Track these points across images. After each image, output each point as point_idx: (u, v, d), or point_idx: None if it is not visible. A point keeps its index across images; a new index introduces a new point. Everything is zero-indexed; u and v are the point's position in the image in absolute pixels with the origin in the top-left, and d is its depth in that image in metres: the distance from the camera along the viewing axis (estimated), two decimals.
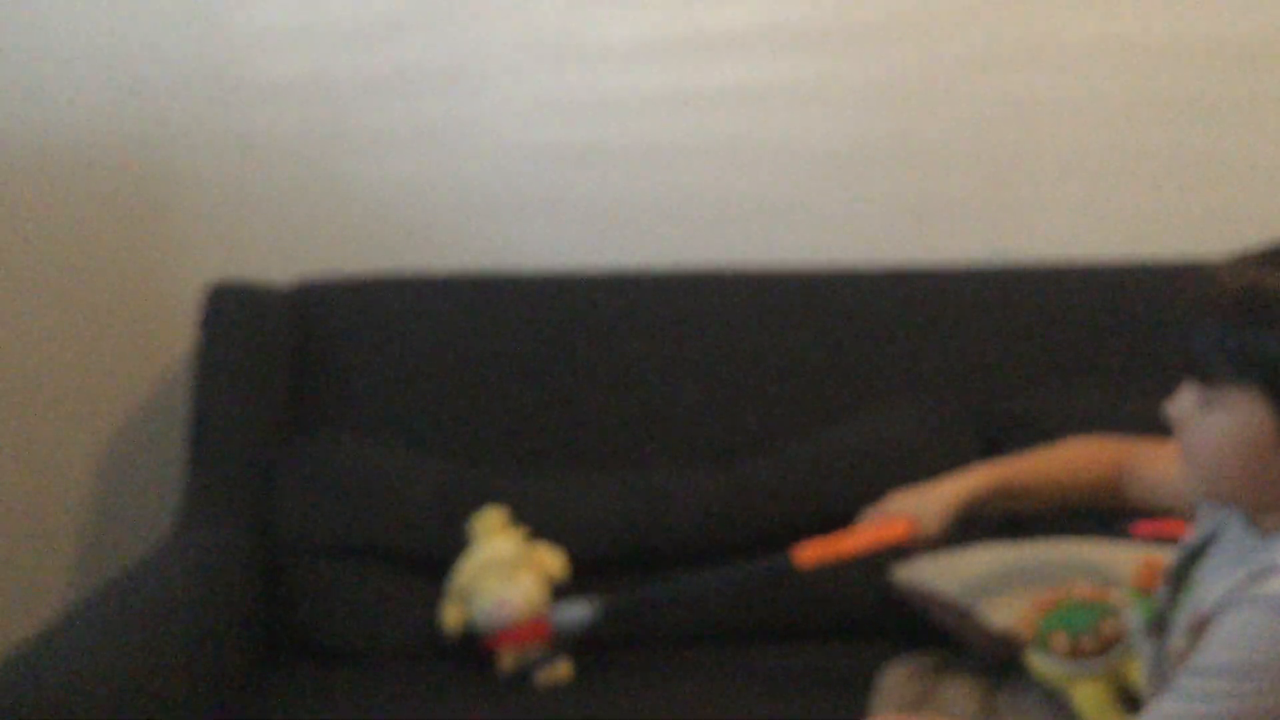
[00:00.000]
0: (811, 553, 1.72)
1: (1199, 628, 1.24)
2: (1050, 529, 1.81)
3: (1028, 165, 2.20)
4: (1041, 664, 1.57)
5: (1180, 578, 1.34)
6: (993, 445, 1.95)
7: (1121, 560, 1.66)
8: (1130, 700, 1.51)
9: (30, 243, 2.10)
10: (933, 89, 2.17)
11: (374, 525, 1.87)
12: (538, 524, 1.86)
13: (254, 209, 2.12)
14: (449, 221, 2.15)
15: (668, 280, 2.07)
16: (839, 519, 1.88)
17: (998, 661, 1.67)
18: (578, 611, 1.78)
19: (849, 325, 2.05)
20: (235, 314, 1.97)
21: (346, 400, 1.96)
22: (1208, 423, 1.22)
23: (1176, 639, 1.28)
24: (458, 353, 1.98)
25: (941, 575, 1.77)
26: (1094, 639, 1.53)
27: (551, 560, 1.84)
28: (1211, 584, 1.27)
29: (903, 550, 1.70)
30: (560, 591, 1.81)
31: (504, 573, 1.79)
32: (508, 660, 1.78)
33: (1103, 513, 1.68)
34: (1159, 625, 1.34)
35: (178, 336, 2.11)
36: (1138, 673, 1.49)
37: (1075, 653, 1.53)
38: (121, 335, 2.13)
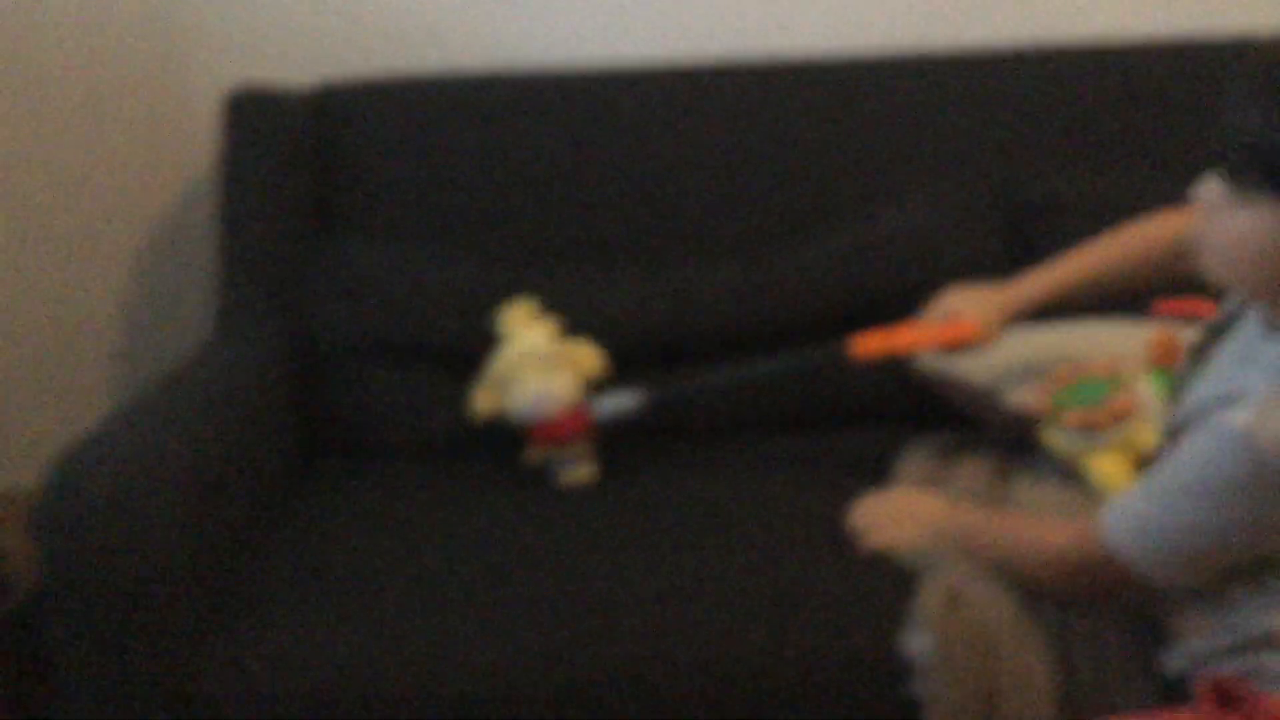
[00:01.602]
0: (870, 344, 1.70)
1: (1175, 432, 1.27)
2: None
3: None
4: (1055, 439, 1.59)
5: (1202, 352, 1.36)
6: (1016, 229, 1.95)
7: (1141, 338, 1.68)
8: (1146, 470, 1.53)
9: (50, 55, 2.09)
10: None
11: (404, 323, 1.90)
12: (566, 319, 1.88)
13: (272, 12, 2.09)
14: (469, 19, 2.12)
15: (688, 74, 2.05)
16: (864, 309, 1.91)
17: (1014, 440, 1.70)
18: (622, 401, 1.79)
19: (869, 114, 2.02)
20: (257, 120, 1.96)
21: (372, 202, 1.97)
22: (1231, 219, 1.20)
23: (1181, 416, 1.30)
24: (481, 152, 1.98)
25: (963, 360, 1.79)
26: (1107, 412, 1.54)
27: (588, 358, 1.84)
28: (1213, 377, 1.29)
29: (954, 350, 1.68)
30: (596, 389, 1.83)
31: (543, 366, 1.79)
32: (535, 454, 1.81)
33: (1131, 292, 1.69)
34: (1178, 397, 1.35)
35: (202, 143, 2.11)
36: (1154, 443, 1.52)
37: (1087, 426, 1.55)
38: (146, 144, 2.13)
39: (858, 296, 1.94)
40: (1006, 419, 1.70)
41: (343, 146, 1.97)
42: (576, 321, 1.88)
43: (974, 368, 1.76)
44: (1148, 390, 1.54)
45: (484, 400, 1.81)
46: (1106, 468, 1.55)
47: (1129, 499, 1.30)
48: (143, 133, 2.13)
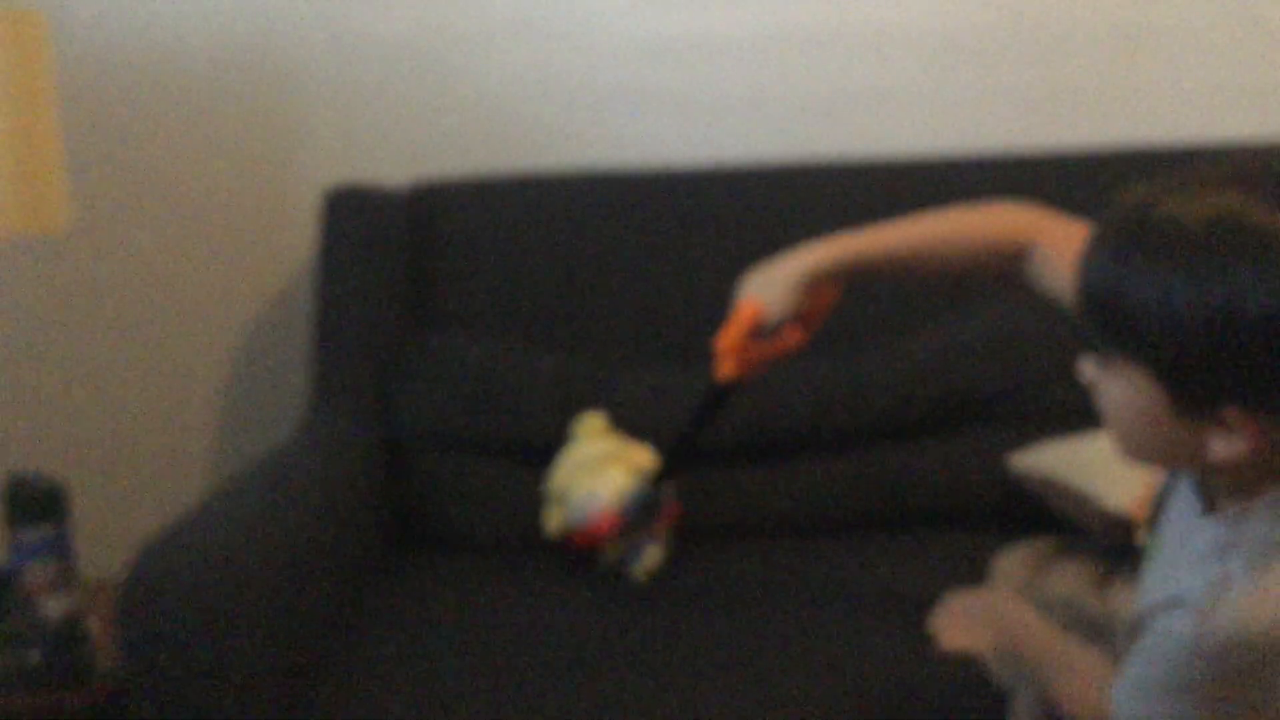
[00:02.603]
0: (721, 364, 1.55)
1: (1132, 629, 1.15)
2: None
3: (1152, 44, 2.13)
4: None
5: (1155, 524, 1.24)
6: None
7: None
8: None
9: (157, 152, 2.16)
10: None
11: (490, 418, 1.91)
12: (649, 418, 1.88)
13: (369, 112, 2.15)
14: (562, 119, 2.15)
15: (783, 172, 2.06)
16: (953, 409, 1.88)
17: (1114, 545, 1.65)
18: (634, 498, 1.76)
19: None
20: (354, 216, 2.00)
21: (462, 298, 1.99)
22: (1105, 392, 1.08)
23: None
24: (567, 250, 2.00)
25: (1060, 462, 1.75)
26: None
27: (641, 454, 1.83)
28: (1157, 571, 1.18)
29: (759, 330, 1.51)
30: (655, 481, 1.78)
31: (594, 469, 1.80)
32: (610, 555, 1.79)
33: None
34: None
35: (300, 239, 2.16)
36: None
37: None
38: (250, 237, 2.19)
39: (946, 397, 1.91)
40: (1106, 521, 1.66)
41: (435, 243, 2.00)
42: (659, 420, 1.87)
43: (1063, 466, 1.72)
44: None
45: (553, 519, 1.82)
46: None
47: (1120, 684, 1.15)
48: (247, 226, 2.18)
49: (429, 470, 1.92)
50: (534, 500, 1.86)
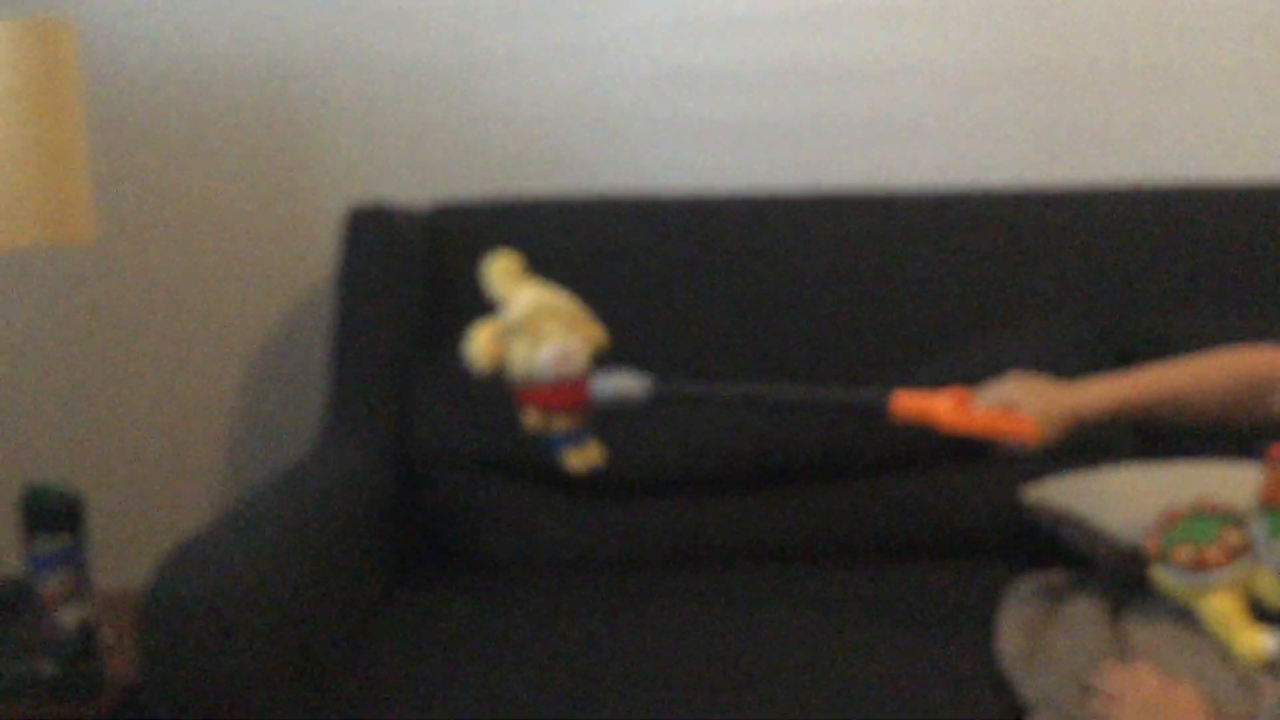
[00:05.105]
0: (911, 406, 1.56)
1: None
2: (1186, 451, 1.78)
3: (1167, 82, 2.15)
4: (1165, 578, 1.54)
5: None
6: (1130, 366, 1.91)
7: (1256, 480, 1.63)
8: (1260, 611, 1.48)
9: (181, 167, 2.18)
10: (1070, 4, 2.12)
11: (506, 439, 1.90)
12: (673, 439, 1.88)
13: (392, 133, 2.17)
14: (583, 144, 2.17)
15: (802, 202, 2.07)
16: (968, 440, 1.88)
17: (1127, 580, 1.65)
18: (628, 384, 1.61)
19: (984, 246, 2.02)
20: (374, 236, 2.01)
21: (480, 317, 1.98)
22: None
23: None
24: (589, 274, 1.98)
25: (1074, 495, 1.75)
26: (1219, 550, 1.49)
27: (598, 330, 1.68)
28: None
29: (999, 443, 1.55)
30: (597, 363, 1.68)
31: (566, 324, 1.62)
32: (533, 421, 1.64)
33: (1243, 434, 1.64)
34: None
35: (320, 257, 2.18)
36: (1267, 583, 1.47)
37: (1199, 565, 1.50)
38: (267, 254, 2.20)
39: None
40: (1118, 556, 1.66)
41: (454, 263, 2.01)
42: (682, 441, 1.88)
43: (1076, 499, 1.72)
44: (1262, 528, 1.49)
45: (488, 349, 1.61)
46: (1219, 608, 1.49)
47: None
48: (267, 242, 2.20)
49: (445, 489, 1.92)
50: (550, 520, 1.86)
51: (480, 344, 1.61)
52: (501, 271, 1.69)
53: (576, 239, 2.03)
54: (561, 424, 1.63)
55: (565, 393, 1.61)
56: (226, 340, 2.23)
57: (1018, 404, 1.56)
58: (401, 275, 2.01)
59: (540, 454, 1.88)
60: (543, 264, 1.98)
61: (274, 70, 2.15)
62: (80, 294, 2.21)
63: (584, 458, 1.67)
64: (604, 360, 1.71)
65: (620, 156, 2.17)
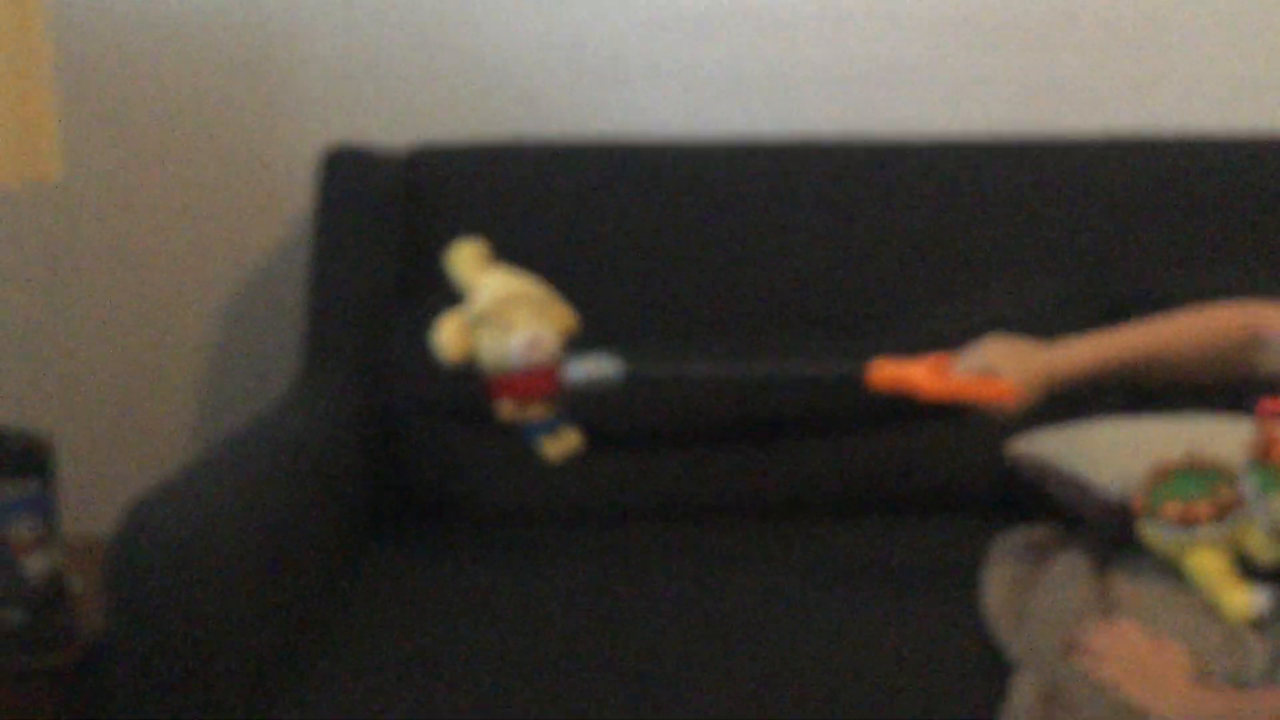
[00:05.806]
0: (888, 375, 1.55)
1: None
2: (1175, 405, 1.76)
3: (1157, 33, 2.12)
4: (1152, 533, 1.53)
5: None
6: (1113, 322, 1.89)
7: (1246, 436, 1.61)
8: (1248, 568, 1.47)
9: (154, 111, 2.14)
10: None
11: (480, 387, 1.88)
12: (656, 394, 1.85)
13: (371, 73, 2.13)
14: (564, 87, 2.13)
15: (784, 149, 2.04)
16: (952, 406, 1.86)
17: (1113, 534, 1.64)
18: (601, 368, 1.59)
19: (971, 197, 2.00)
20: (351, 177, 1.98)
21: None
22: None
23: None
24: (568, 219, 1.97)
25: (1061, 448, 1.74)
26: (1208, 505, 1.48)
27: (567, 314, 1.65)
28: None
29: (979, 408, 1.53)
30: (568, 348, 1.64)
31: (536, 311, 1.59)
32: (507, 411, 1.62)
33: (1230, 390, 1.62)
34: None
35: (296, 199, 2.14)
36: (1256, 540, 1.45)
37: (1186, 520, 1.49)
38: (243, 197, 2.17)
39: None
40: (1106, 510, 1.64)
41: (431, 206, 1.98)
42: (666, 389, 1.86)
43: (1063, 453, 1.71)
44: (1252, 484, 1.47)
45: (456, 341, 1.58)
46: (1205, 564, 1.48)
47: None
48: (241, 184, 2.16)
49: (420, 436, 1.90)
50: (526, 470, 1.83)
51: (448, 336, 1.59)
52: (466, 259, 1.66)
53: (556, 184, 2.00)
54: (536, 412, 1.61)
55: (538, 380, 1.59)
56: (199, 282, 2.20)
57: (996, 368, 1.54)
58: (378, 218, 1.97)
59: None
60: (521, 209, 1.97)
61: (250, 8, 2.11)
62: (49, 234, 2.17)
63: (561, 446, 1.65)
64: (585, 318, 1.69)
65: (602, 101, 2.13)
